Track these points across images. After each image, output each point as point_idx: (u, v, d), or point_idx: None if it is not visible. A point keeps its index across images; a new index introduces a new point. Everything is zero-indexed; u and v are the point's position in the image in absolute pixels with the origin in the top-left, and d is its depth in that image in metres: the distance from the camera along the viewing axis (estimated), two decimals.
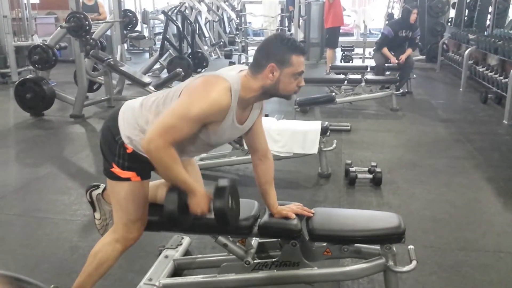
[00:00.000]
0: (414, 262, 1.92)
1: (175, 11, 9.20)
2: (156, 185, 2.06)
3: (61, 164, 4.11)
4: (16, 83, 5.69)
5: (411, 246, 2.00)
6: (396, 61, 6.48)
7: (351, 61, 9.58)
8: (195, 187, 1.75)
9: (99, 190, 2.09)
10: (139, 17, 8.00)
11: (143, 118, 1.78)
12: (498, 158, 4.18)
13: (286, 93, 1.78)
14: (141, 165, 1.82)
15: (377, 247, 1.96)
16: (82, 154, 4.35)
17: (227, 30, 12.82)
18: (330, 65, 7.55)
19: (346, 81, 5.95)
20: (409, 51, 6.59)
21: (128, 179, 1.81)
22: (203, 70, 8.57)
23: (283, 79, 1.72)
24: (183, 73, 6.17)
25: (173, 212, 1.72)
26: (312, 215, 2.01)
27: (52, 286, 1.02)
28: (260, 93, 1.76)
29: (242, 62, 8.61)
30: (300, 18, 9.20)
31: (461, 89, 7.25)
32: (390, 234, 1.93)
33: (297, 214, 1.99)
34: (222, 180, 1.80)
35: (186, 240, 2.45)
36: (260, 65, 1.72)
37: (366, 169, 3.57)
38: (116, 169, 1.81)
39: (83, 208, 3.07)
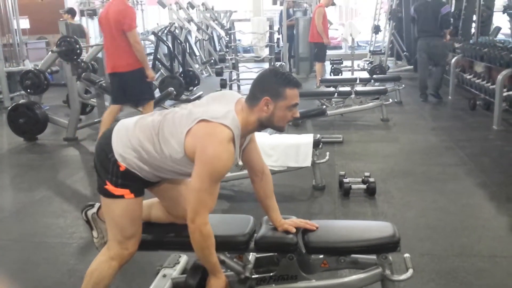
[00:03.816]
0: (410, 270, 1.94)
1: (165, 31, 9.28)
2: (149, 205, 2.08)
3: (56, 188, 4.10)
4: (9, 108, 5.70)
5: (407, 255, 2.03)
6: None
7: (340, 74, 9.68)
8: (220, 272, 1.88)
9: (94, 209, 2.11)
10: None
11: (136, 138, 1.81)
12: (489, 164, 4.23)
13: (280, 124, 1.84)
14: (135, 183, 1.84)
15: (374, 257, 1.98)
16: (76, 176, 4.35)
17: (217, 48, 12.93)
18: (320, 78, 7.63)
19: (336, 94, 6.01)
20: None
21: (121, 197, 1.83)
22: (195, 88, 8.63)
23: (277, 112, 1.79)
24: (175, 92, 6.22)
25: (191, 286, 1.90)
26: (315, 228, 2.02)
27: None
28: (257, 125, 1.83)
29: (233, 79, 8.67)
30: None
31: (449, 97, 7.34)
32: (386, 244, 1.95)
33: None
34: (243, 275, 1.99)
35: (183, 258, 2.45)
36: (256, 98, 1.79)
37: (360, 179, 3.60)
38: (109, 187, 1.83)
39: (80, 231, 3.07)
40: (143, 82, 4.64)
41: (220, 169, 1.72)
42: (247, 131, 1.83)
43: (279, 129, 1.89)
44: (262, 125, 1.84)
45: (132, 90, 4.59)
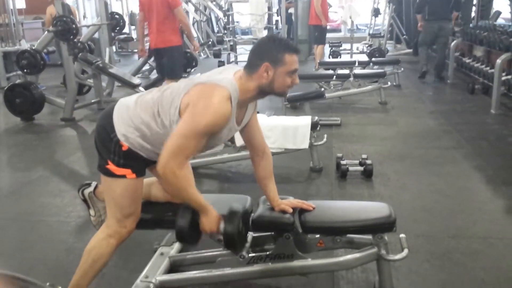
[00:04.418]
0: (405, 250, 1.96)
1: None
2: (150, 183, 2.08)
3: (53, 167, 4.10)
4: (5, 88, 5.67)
5: (402, 235, 2.04)
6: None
7: (339, 57, 9.63)
8: (208, 207, 1.82)
9: (91, 188, 2.12)
10: (126, 19, 7.99)
11: (137, 116, 1.80)
12: (486, 147, 4.24)
13: (281, 90, 1.83)
14: (137, 163, 1.84)
15: (369, 237, 1.99)
16: (73, 156, 4.35)
17: (215, 29, 12.82)
18: (318, 61, 7.60)
19: (335, 77, 5.99)
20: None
21: (123, 176, 1.82)
22: (192, 70, 8.57)
23: (277, 78, 1.77)
24: None
25: (184, 228, 1.81)
26: (312, 208, 2.03)
27: (48, 284, 1.04)
28: (257, 92, 1.81)
29: (231, 60, 8.63)
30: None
31: (448, 81, 7.33)
32: (381, 224, 1.96)
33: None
34: (236, 205, 1.92)
35: None
36: (255, 65, 1.77)
37: (357, 162, 3.60)
38: (111, 166, 1.82)
39: (77, 210, 3.08)
40: (178, 60, 5.09)
41: (209, 122, 1.67)
42: (246, 98, 1.80)
43: (280, 95, 1.89)
44: (262, 92, 1.81)
45: (166, 64, 4.95)
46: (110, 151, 1.81)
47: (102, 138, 1.85)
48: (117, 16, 7.35)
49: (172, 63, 4.96)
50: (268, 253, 2.04)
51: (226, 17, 9.83)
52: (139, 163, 1.85)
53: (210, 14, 12.20)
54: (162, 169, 1.69)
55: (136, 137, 1.79)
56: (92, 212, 2.14)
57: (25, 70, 5.68)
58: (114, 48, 9.60)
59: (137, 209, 1.91)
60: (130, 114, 1.81)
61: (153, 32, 4.87)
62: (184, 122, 1.70)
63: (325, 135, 3.74)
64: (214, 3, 11.30)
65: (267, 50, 1.77)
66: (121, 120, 1.81)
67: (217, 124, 1.70)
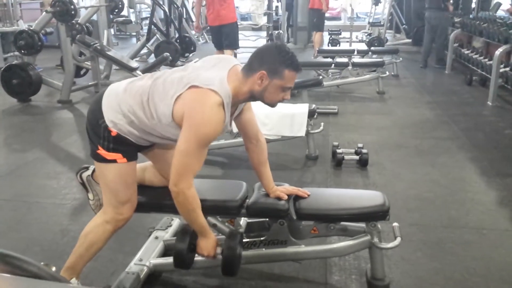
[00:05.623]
0: (398, 239, 1.98)
1: None
2: (143, 168, 2.08)
3: (49, 150, 4.10)
4: (2, 69, 5.63)
5: (395, 224, 2.07)
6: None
7: (338, 45, 9.59)
8: (209, 232, 1.89)
9: (89, 172, 2.11)
10: (125, 1, 7.91)
11: (126, 104, 1.79)
12: (482, 139, 4.26)
13: (270, 102, 1.82)
14: (127, 147, 1.84)
15: (363, 224, 2.01)
16: (70, 139, 4.34)
17: None
18: (317, 48, 7.57)
19: (333, 65, 5.97)
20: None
21: (114, 161, 1.82)
22: (191, 55, 8.53)
23: (270, 88, 1.75)
24: (170, 57, 6.15)
25: (182, 251, 1.86)
26: (307, 196, 2.04)
27: (42, 263, 1.05)
28: (248, 96, 1.80)
29: None
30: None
31: (446, 72, 7.33)
32: (375, 212, 1.97)
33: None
34: (234, 230, 1.99)
35: (176, 221, 2.48)
36: (253, 68, 1.75)
37: (353, 150, 3.62)
38: (101, 151, 1.82)
39: (73, 192, 3.09)
40: (236, 33, 5.96)
41: (207, 133, 1.69)
42: (238, 100, 1.80)
43: (269, 105, 1.86)
44: (253, 97, 1.81)
45: (228, 38, 5.73)
46: (100, 136, 1.81)
47: (92, 124, 1.85)
48: None
49: (234, 36, 5.82)
50: (262, 238, 2.06)
51: None
52: (129, 148, 1.85)
53: None
54: (175, 191, 1.74)
55: (124, 123, 1.79)
56: (90, 196, 2.13)
57: (22, 51, 5.64)
58: (112, 30, 9.53)
59: (132, 195, 1.91)
60: (119, 101, 1.80)
61: (215, 10, 5.60)
62: (185, 139, 1.70)
63: (322, 123, 3.74)
64: None
65: (270, 59, 1.74)
66: (110, 107, 1.81)
67: (215, 133, 1.72)
